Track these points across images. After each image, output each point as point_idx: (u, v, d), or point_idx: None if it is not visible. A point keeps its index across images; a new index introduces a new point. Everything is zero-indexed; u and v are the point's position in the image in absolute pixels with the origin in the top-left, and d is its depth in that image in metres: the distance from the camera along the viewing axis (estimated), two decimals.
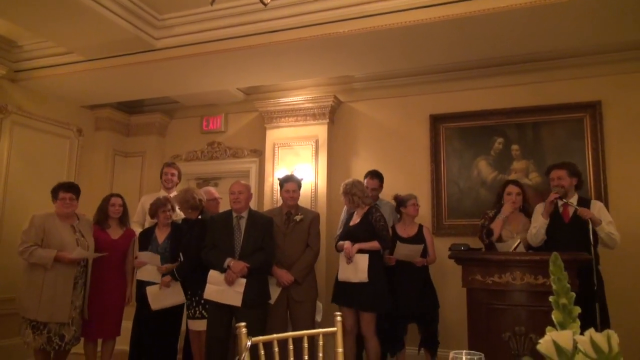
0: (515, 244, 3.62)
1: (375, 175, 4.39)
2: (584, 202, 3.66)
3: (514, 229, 3.75)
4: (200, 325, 3.91)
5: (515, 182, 3.93)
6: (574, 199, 3.66)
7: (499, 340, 3.19)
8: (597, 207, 3.62)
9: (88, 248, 3.95)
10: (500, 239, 3.71)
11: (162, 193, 4.81)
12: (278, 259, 3.96)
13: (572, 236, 3.49)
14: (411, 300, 3.94)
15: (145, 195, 4.68)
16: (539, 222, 3.64)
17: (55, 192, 3.95)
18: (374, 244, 3.83)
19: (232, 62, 4.50)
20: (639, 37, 4.05)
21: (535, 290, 3.17)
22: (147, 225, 4.59)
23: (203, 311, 3.92)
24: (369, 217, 3.91)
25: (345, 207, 4.34)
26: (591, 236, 3.46)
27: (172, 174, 4.85)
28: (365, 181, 4.33)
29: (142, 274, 4.07)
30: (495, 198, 4.01)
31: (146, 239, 4.25)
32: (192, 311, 3.97)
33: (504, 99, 4.79)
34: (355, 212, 4.03)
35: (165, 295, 3.98)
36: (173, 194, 4.84)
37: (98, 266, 4.06)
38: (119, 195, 4.35)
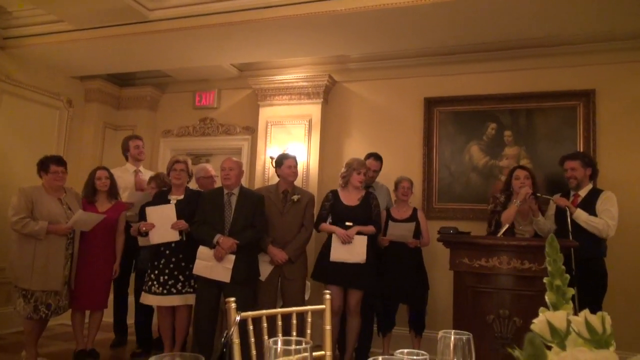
0: (504, 229, 3.66)
1: (378, 157, 4.42)
2: (596, 193, 3.72)
3: (522, 219, 3.76)
4: (152, 300, 3.89)
5: (523, 167, 3.94)
6: (586, 189, 3.74)
7: (483, 323, 3.24)
8: (603, 198, 3.67)
9: None
10: (510, 230, 3.69)
11: (131, 167, 4.77)
12: (273, 237, 3.98)
13: (574, 226, 3.58)
14: (402, 281, 4.00)
15: (113, 169, 4.57)
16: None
17: (45, 165, 3.90)
18: (371, 229, 3.93)
19: (226, 36, 4.43)
20: (635, 26, 4.06)
21: (521, 275, 3.21)
22: (123, 198, 4.50)
23: (155, 287, 3.86)
24: (369, 201, 3.99)
25: (329, 193, 4.24)
26: (569, 225, 3.55)
27: (143, 146, 4.83)
28: (367, 162, 4.33)
29: (155, 238, 3.88)
30: (504, 186, 3.98)
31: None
32: (146, 285, 3.91)
33: (498, 85, 4.79)
34: (347, 193, 4.05)
35: (167, 229, 3.86)
36: (141, 168, 4.83)
37: (87, 238, 4.04)
38: (104, 168, 4.29)
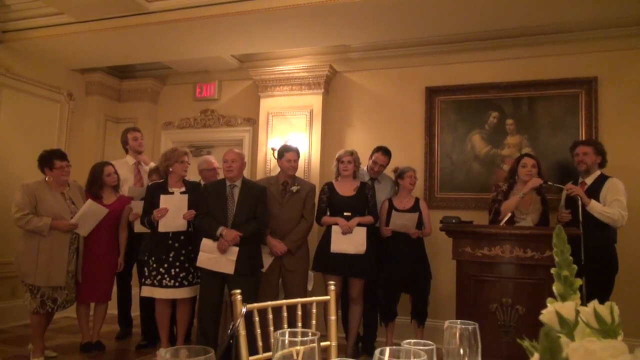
0: (506, 218, 3.67)
1: (387, 152, 4.39)
2: (603, 179, 3.73)
3: (524, 208, 3.75)
4: (163, 293, 3.86)
5: (530, 155, 3.89)
6: (593, 176, 3.76)
7: (486, 311, 3.26)
8: (607, 185, 3.68)
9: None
10: (511, 219, 3.68)
11: (131, 159, 4.77)
12: (272, 228, 3.99)
13: (586, 213, 3.60)
14: (405, 270, 4.01)
15: (113, 162, 4.60)
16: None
17: (48, 161, 3.88)
18: (370, 219, 4.00)
19: (226, 27, 4.41)
20: (637, 13, 4.02)
21: (523, 264, 3.23)
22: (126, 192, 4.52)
23: (166, 280, 3.85)
24: (365, 192, 4.05)
25: (324, 185, 4.24)
26: (580, 214, 3.56)
27: (142, 137, 4.82)
28: (375, 156, 4.36)
29: (164, 227, 3.86)
30: (508, 173, 3.97)
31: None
32: (150, 279, 3.87)
33: (500, 73, 4.76)
34: (342, 184, 4.09)
35: (177, 219, 3.86)
36: (142, 164, 4.83)
37: (91, 231, 4.04)
38: (111, 164, 4.31)
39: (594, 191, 3.69)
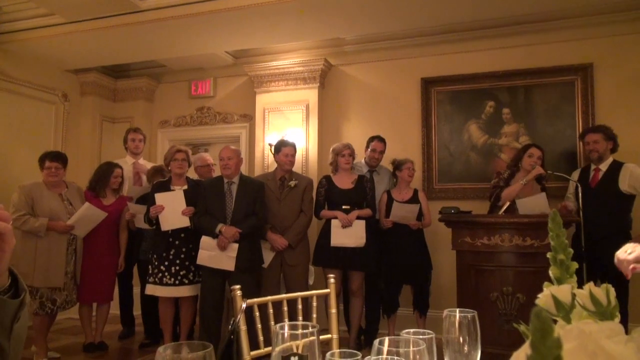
0: (505, 206, 3.67)
1: (382, 139, 4.43)
2: (618, 166, 3.74)
3: (524, 196, 3.75)
4: (163, 291, 3.87)
5: (537, 146, 3.89)
6: (607, 162, 3.78)
7: (487, 301, 3.28)
8: (627, 173, 3.67)
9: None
10: (510, 208, 3.68)
11: (130, 159, 4.77)
12: (272, 223, 3.99)
13: (598, 201, 3.61)
14: (406, 261, 4.02)
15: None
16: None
17: (41, 160, 3.92)
18: (368, 212, 4.01)
19: (219, 23, 4.39)
20: None
21: (523, 252, 3.24)
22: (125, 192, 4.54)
23: (167, 278, 3.85)
24: (364, 184, 4.06)
25: (322, 179, 4.26)
26: (580, 202, 3.57)
27: (140, 140, 4.82)
28: (372, 144, 4.39)
29: (166, 225, 3.85)
30: (511, 161, 4.01)
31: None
32: (152, 277, 3.88)
33: (495, 62, 4.75)
34: (340, 177, 4.09)
35: (177, 215, 3.84)
36: (140, 160, 4.84)
37: (91, 232, 4.04)
38: (120, 167, 4.32)
39: (611, 178, 3.70)
